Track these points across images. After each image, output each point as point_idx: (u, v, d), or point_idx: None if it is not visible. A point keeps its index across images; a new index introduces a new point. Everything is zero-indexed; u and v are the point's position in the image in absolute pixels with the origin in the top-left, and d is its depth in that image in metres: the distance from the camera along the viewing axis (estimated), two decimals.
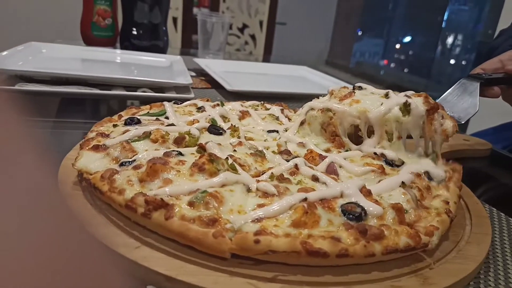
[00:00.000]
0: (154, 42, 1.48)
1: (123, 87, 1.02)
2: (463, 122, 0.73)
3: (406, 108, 0.64)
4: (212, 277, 0.41)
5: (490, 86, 0.83)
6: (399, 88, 0.72)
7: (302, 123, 0.73)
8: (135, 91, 1.01)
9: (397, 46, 5.12)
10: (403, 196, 0.52)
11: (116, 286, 0.22)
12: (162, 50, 1.52)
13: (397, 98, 0.66)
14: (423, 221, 0.51)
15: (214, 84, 1.27)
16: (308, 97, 0.85)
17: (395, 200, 0.52)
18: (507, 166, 0.98)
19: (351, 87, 0.74)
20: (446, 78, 4.31)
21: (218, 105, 0.82)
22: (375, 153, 0.64)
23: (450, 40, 4.36)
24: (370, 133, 0.68)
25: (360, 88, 0.72)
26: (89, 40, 1.41)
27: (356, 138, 0.70)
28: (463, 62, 4.27)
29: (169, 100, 0.83)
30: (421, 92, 0.69)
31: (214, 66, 1.44)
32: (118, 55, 1.35)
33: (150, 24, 1.45)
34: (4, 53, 1.07)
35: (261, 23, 4.00)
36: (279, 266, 0.44)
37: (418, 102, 0.65)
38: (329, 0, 6.65)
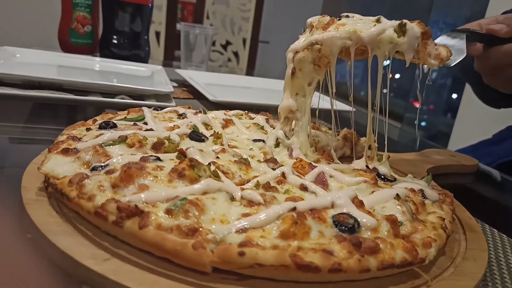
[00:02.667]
0: (135, 51, 1.44)
1: (100, 93, 0.97)
2: (452, 65, 0.71)
3: (401, 29, 0.61)
4: None
5: (473, 42, 0.83)
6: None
7: (293, 73, 0.67)
8: (113, 98, 0.96)
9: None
10: (398, 207, 0.49)
11: None
12: (143, 60, 1.48)
13: (391, 21, 0.63)
14: (420, 233, 0.47)
15: (197, 95, 1.23)
16: None
17: (389, 212, 0.49)
18: (493, 182, 0.96)
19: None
20: (424, 100, 4.39)
21: (200, 112, 0.78)
22: (367, 166, 0.61)
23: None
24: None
25: (347, 16, 0.66)
26: (67, 47, 1.36)
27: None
28: (440, 86, 4.37)
29: (148, 107, 0.78)
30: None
31: (196, 77, 1.40)
32: (97, 62, 1.30)
33: (131, 32, 1.41)
34: None
35: (244, 40, 4.02)
36: (265, 282, 0.39)
37: (413, 25, 0.61)
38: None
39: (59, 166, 0.51)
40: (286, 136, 0.69)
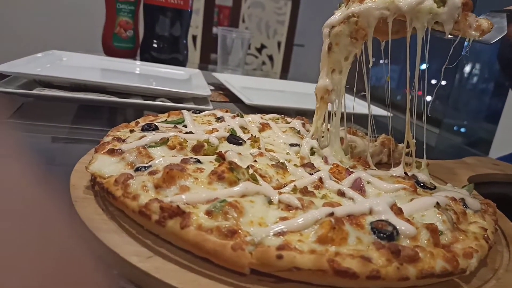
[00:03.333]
0: (174, 55, 1.48)
1: (141, 96, 1.00)
2: (491, 42, 0.68)
3: None
4: None
5: None
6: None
7: (329, 49, 0.66)
8: (153, 101, 0.99)
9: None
10: (438, 216, 0.48)
11: None
12: (181, 63, 1.52)
13: None
14: (461, 243, 0.46)
15: (233, 98, 1.25)
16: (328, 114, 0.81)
17: (429, 221, 0.48)
18: None
19: None
20: (464, 105, 4.24)
21: (237, 116, 0.79)
22: (405, 173, 0.60)
23: (468, 68, 4.32)
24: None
25: None
26: (110, 51, 1.42)
27: None
28: (481, 91, 4.21)
29: (187, 110, 0.81)
30: None
31: (233, 81, 1.42)
32: (138, 66, 1.35)
33: (170, 37, 1.45)
34: (25, 59, 1.07)
35: (279, 44, 4.02)
36: (302, 285, 0.40)
37: None
38: None
39: (106, 166, 0.53)
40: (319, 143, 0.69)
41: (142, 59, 1.48)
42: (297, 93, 1.52)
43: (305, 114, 0.97)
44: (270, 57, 4.05)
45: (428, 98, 0.65)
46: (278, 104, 1.16)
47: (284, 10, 3.93)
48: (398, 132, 0.81)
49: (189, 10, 1.46)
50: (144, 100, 0.99)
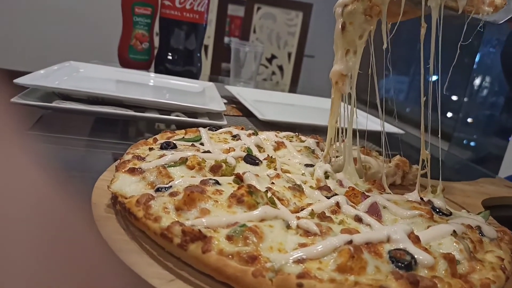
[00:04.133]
0: (187, 67, 1.50)
1: (157, 110, 1.02)
2: (500, 22, 0.68)
3: None
4: None
5: None
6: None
7: (343, 28, 0.66)
8: (169, 115, 1.01)
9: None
10: (455, 244, 0.49)
11: None
12: (194, 75, 1.53)
13: None
14: (477, 273, 0.47)
15: (246, 112, 1.26)
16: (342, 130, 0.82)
17: (446, 249, 0.48)
18: None
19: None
20: (474, 119, 4.22)
21: (253, 134, 0.80)
22: (421, 198, 0.60)
23: (478, 81, 4.30)
24: None
25: None
26: (125, 62, 1.44)
27: None
28: (491, 104, 4.19)
29: (202, 125, 0.82)
30: None
31: (245, 94, 1.44)
32: (152, 78, 1.37)
33: (185, 50, 1.47)
34: (43, 71, 1.09)
35: (289, 55, 4.05)
36: None
37: None
38: None
39: (127, 185, 0.54)
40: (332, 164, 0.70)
41: (156, 71, 1.50)
42: (310, 107, 1.53)
43: (319, 131, 0.98)
44: (280, 68, 4.07)
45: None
46: (291, 120, 1.17)
47: (295, 21, 3.96)
48: (408, 147, 0.81)
49: (204, 25, 1.48)
50: (160, 113, 1.01)
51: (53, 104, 0.91)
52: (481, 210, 0.71)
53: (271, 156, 0.69)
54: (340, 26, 0.66)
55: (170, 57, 1.47)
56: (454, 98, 3.92)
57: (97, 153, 0.87)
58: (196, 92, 1.35)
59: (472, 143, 3.95)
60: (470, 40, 0.62)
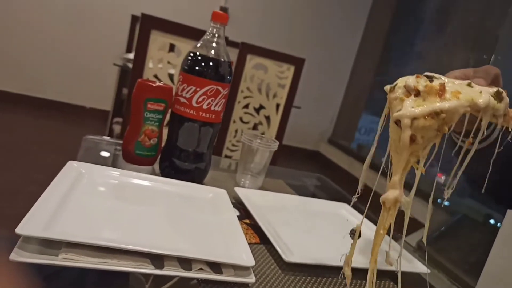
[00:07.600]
0: (196, 164, 1.38)
1: (176, 258, 0.88)
2: None
3: (498, 96, 0.67)
4: None
5: None
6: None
7: (412, 140, 0.67)
8: (190, 264, 0.88)
9: None
10: None
11: None
12: (203, 172, 1.42)
13: (482, 87, 0.68)
14: None
15: (264, 238, 1.14)
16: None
17: None
18: None
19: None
20: None
21: None
22: None
23: None
24: None
25: (433, 77, 0.68)
26: (130, 158, 1.30)
27: None
28: None
29: (227, 283, 0.69)
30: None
31: (253, 198, 1.34)
32: (160, 184, 1.23)
33: (196, 148, 1.35)
34: (37, 205, 0.93)
35: (277, 106, 3.99)
36: None
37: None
38: (339, 84, 6.87)
39: None
40: None
41: (161, 167, 1.37)
42: (319, 212, 1.42)
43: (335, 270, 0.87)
44: (268, 118, 3.99)
45: None
46: (319, 262, 1.05)
47: (286, 74, 3.92)
48: None
49: (219, 123, 1.37)
50: (179, 262, 0.87)
51: (58, 262, 0.76)
52: None
53: None
54: (407, 138, 0.66)
55: (178, 153, 1.34)
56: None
57: None
58: (206, 198, 1.22)
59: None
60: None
